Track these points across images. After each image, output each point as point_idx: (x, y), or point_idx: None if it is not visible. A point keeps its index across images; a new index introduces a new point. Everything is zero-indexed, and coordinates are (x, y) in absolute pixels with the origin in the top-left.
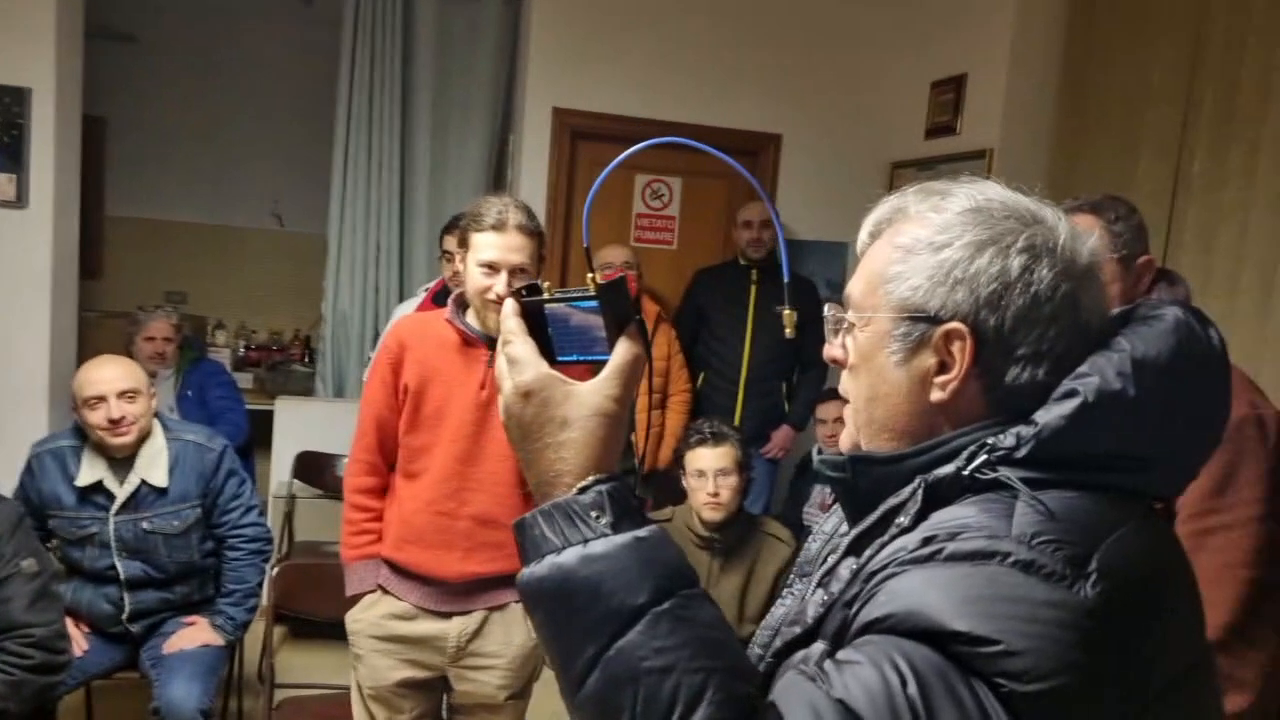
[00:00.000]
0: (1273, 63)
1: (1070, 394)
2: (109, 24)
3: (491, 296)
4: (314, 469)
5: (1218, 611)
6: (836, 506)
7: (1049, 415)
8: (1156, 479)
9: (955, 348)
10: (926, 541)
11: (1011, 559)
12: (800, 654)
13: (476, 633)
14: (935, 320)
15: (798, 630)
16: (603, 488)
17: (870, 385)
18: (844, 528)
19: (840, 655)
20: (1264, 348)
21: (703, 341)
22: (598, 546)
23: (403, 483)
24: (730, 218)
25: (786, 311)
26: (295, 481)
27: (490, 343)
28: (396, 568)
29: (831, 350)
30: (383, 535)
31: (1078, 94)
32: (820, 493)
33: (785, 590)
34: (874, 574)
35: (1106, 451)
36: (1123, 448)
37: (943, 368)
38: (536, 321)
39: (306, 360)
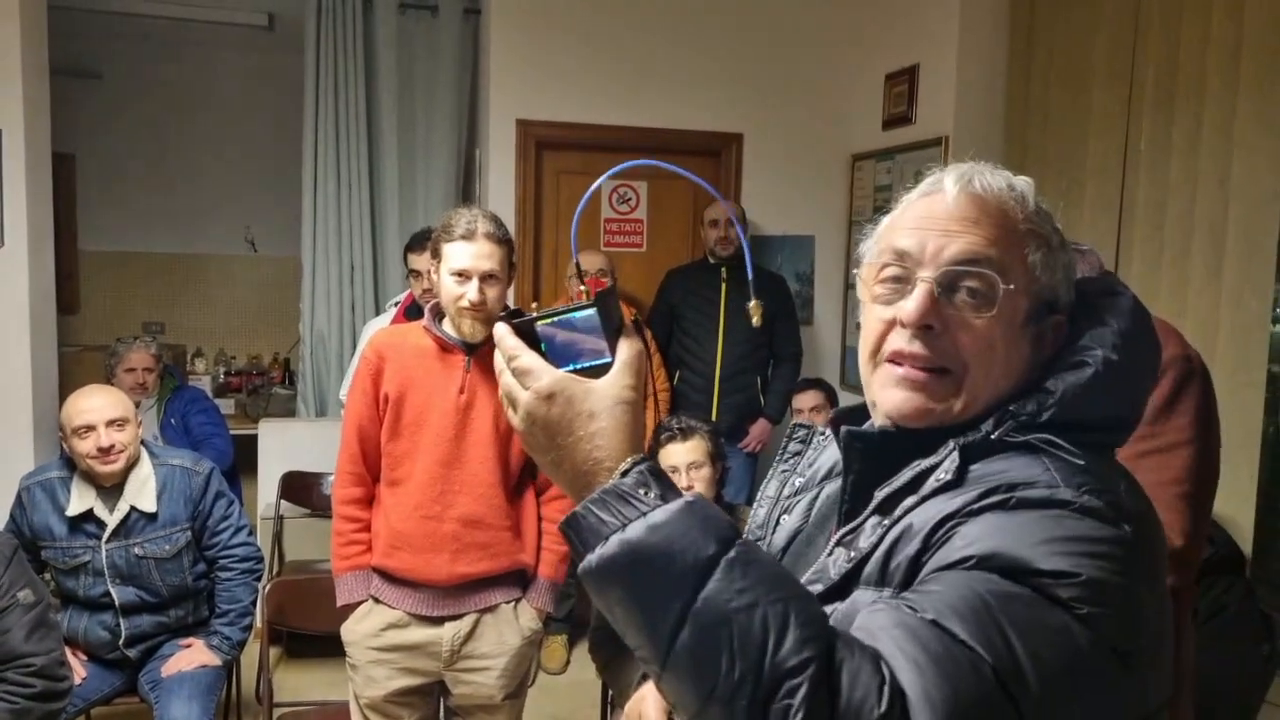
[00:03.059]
0: (1208, 37)
1: (1080, 364)
2: (75, 62)
3: (465, 304)
4: (300, 489)
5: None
6: (773, 470)
7: (1064, 383)
8: (1126, 436)
9: (1054, 337)
10: (990, 493)
11: (1074, 505)
12: (833, 608)
13: (470, 635)
14: (1053, 308)
15: (820, 588)
16: (642, 467)
17: (996, 352)
18: (787, 490)
19: (918, 588)
20: (1216, 313)
21: (676, 340)
22: (658, 516)
23: (387, 491)
24: (697, 217)
25: (752, 303)
26: (283, 502)
27: (467, 349)
28: (387, 575)
29: (931, 314)
30: (371, 545)
31: (1026, 78)
32: None
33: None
34: (943, 523)
35: (1108, 415)
36: (1116, 411)
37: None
38: (529, 341)
39: (287, 382)
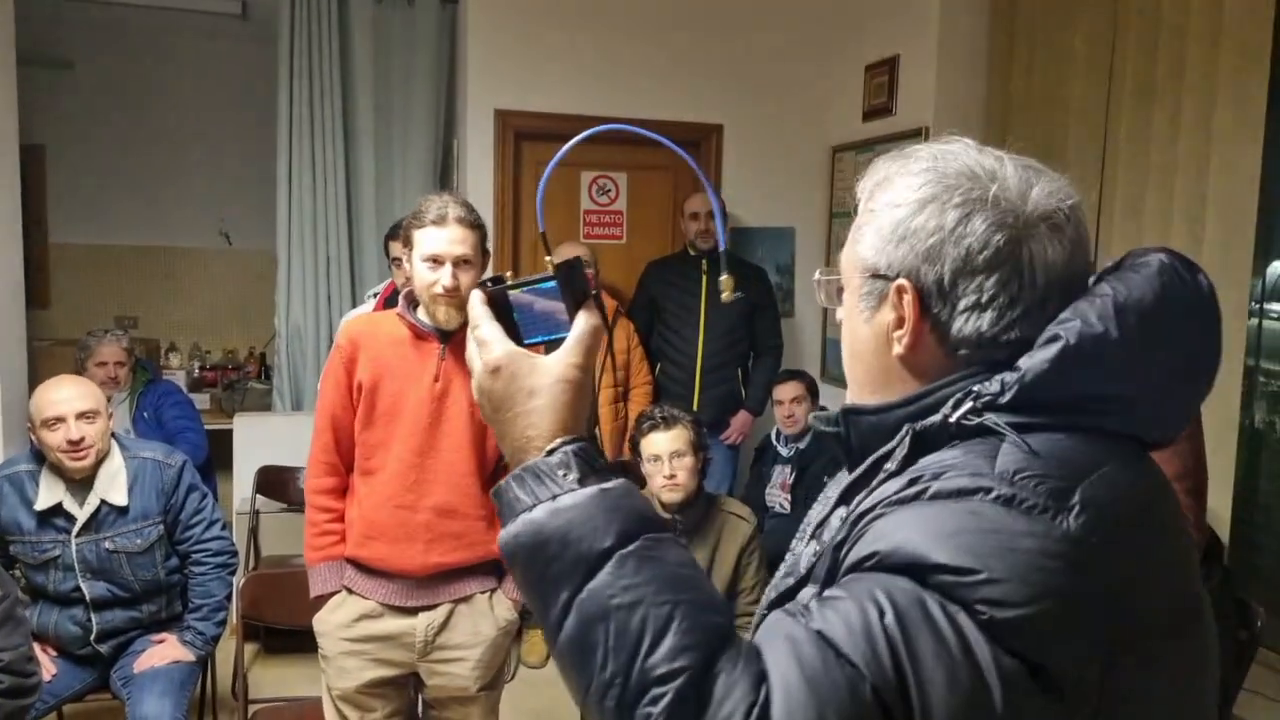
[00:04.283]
0: (1186, 29)
1: (1053, 339)
2: (44, 52)
3: (439, 290)
4: (276, 483)
5: None
6: (839, 475)
7: (1032, 360)
8: (1145, 421)
9: (904, 301)
10: (912, 483)
11: (993, 494)
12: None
13: (444, 626)
14: (886, 277)
15: (791, 581)
16: (569, 448)
17: (850, 343)
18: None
19: (826, 594)
20: None
21: (657, 332)
22: (565, 500)
23: (361, 480)
24: (677, 209)
25: (724, 277)
26: (258, 497)
27: (441, 336)
28: (361, 566)
29: (838, 313)
30: (345, 535)
31: (1005, 68)
32: (781, 474)
33: (788, 553)
34: (862, 516)
35: (1090, 393)
36: (1105, 389)
37: (900, 323)
38: (502, 309)
39: (263, 377)
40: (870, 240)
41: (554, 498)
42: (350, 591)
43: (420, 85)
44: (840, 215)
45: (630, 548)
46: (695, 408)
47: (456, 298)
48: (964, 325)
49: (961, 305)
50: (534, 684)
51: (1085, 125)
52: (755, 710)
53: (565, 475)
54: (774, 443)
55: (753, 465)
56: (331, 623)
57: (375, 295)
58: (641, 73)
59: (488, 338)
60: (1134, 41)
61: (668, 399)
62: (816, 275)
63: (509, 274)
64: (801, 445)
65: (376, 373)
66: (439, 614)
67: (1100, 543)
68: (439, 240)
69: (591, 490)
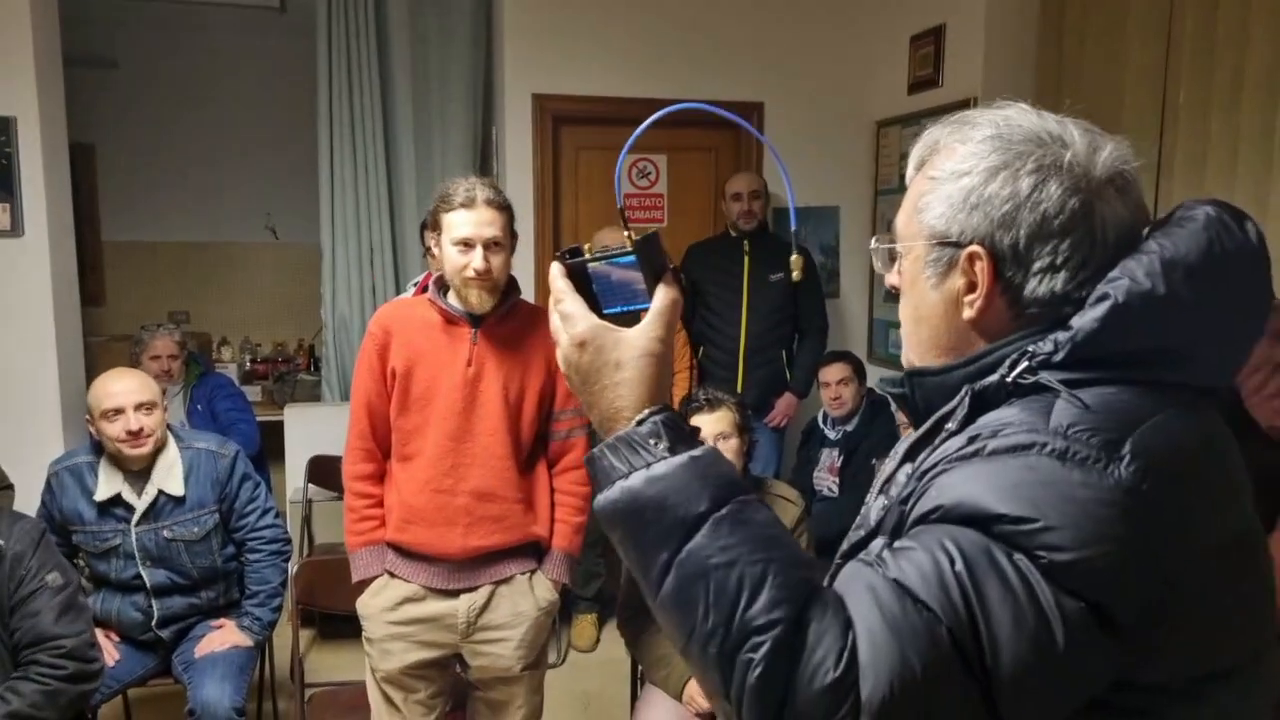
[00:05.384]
0: None
1: (1102, 297)
2: (90, 51)
3: (470, 274)
4: (327, 472)
5: None
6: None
7: (1083, 319)
8: (1198, 370)
9: (977, 268)
10: (971, 440)
11: (1048, 449)
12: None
13: (485, 607)
14: (958, 244)
15: (862, 533)
16: (657, 418)
17: (914, 308)
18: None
19: (896, 544)
20: None
21: (700, 316)
22: (659, 468)
23: (399, 466)
24: (718, 191)
25: (794, 257)
26: (310, 486)
27: (473, 320)
28: (401, 550)
29: (890, 278)
30: (385, 520)
31: (1058, 33)
32: (829, 457)
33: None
34: (926, 473)
35: (1141, 348)
36: (1157, 343)
37: (971, 288)
38: (581, 280)
39: (312, 369)
40: (938, 208)
41: (648, 466)
42: (392, 575)
43: (457, 73)
44: (886, 192)
45: (723, 511)
46: (739, 390)
47: (489, 280)
48: (1038, 287)
49: (1035, 268)
50: (584, 667)
51: (1142, 90)
52: (845, 655)
53: (656, 444)
54: (820, 425)
55: (799, 448)
56: (375, 606)
57: (415, 285)
58: (679, 53)
59: (571, 311)
60: (1193, 0)
61: (711, 382)
62: (873, 243)
63: (586, 246)
64: (849, 427)
65: (410, 359)
66: (480, 595)
67: (1151, 489)
68: (469, 223)
69: (683, 458)
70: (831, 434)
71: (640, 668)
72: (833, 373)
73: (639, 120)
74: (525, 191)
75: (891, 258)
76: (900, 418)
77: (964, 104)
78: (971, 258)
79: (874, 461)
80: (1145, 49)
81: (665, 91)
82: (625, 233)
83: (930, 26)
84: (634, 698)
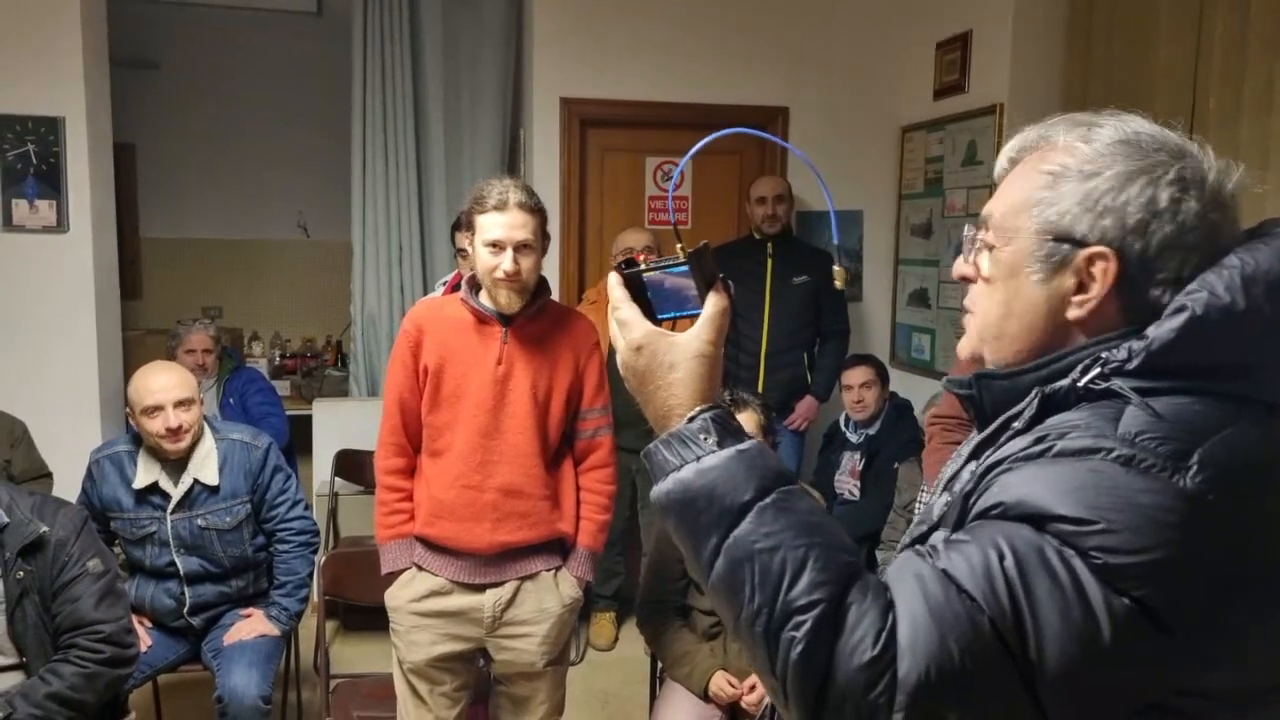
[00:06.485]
0: None
1: (1180, 309)
2: (133, 52)
3: (500, 275)
4: (354, 466)
5: None
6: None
7: (1160, 329)
8: (1273, 385)
9: (1097, 269)
10: (1038, 440)
11: (1114, 454)
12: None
13: (510, 602)
14: (1080, 243)
15: (924, 528)
16: (707, 415)
17: (1005, 301)
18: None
19: (952, 537)
20: None
21: None
22: (709, 461)
23: (429, 461)
24: (742, 194)
25: (836, 268)
26: (337, 479)
27: (504, 320)
28: (429, 544)
29: (962, 268)
30: (414, 514)
31: (1086, 39)
32: (850, 460)
33: (924, 506)
34: (990, 470)
35: (1216, 361)
36: (1232, 357)
37: (1080, 288)
38: (637, 289)
39: (340, 364)
40: (1062, 205)
41: (698, 459)
42: (420, 568)
43: (487, 76)
44: (910, 197)
45: (767, 500)
46: (760, 392)
47: (518, 282)
48: (1161, 296)
49: (1159, 277)
50: (602, 665)
51: (1171, 96)
52: (884, 635)
53: (706, 439)
54: (842, 429)
55: (821, 451)
56: (402, 598)
57: (444, 284)
58: (705, 57)
59: (628, 318)
60: (1225, 3)
61: (733, 385)
62: (966, 231)
63: (641, 258)
64: (871, 431)
65: (441, 356)
66: (506, 590)
67: (1217, 499)
68: (501, 225)
69: (730, 451)
70: (853, 437)
71: (660, 666)
72: (856, 376)
73: (665, 122)
74: (552, 193)
75: (973, 246)
76: (923, 422)
77: (990, 109)
78: (1092, 258)
79: (895, 465)
80: (1174, 55)
81: (691, 96)
82: (678, 244)
83: (957, 33)
84: (653, 696)
